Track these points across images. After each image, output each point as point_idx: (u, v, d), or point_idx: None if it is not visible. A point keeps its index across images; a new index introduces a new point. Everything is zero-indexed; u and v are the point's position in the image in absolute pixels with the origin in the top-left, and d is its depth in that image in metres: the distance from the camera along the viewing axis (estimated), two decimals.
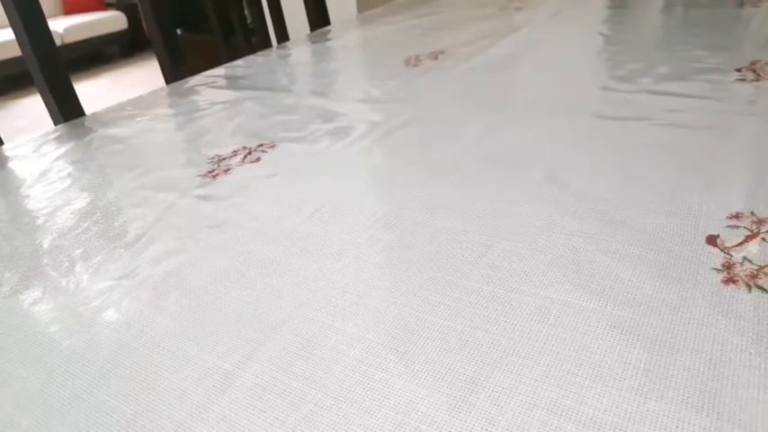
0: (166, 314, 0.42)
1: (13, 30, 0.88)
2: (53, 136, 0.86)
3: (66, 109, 0.92)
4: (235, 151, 0.68)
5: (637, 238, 0.42)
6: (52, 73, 0.90)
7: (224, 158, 0.67)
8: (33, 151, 0.80)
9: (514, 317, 0.36)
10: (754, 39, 0.85)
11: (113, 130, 0.84)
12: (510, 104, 0.73)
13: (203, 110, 0.87)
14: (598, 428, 0.28)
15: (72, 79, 0.94)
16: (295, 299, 0.41)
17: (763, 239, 0.40)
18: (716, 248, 0.40)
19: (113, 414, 0.33)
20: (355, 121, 0.74)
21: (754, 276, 0.37)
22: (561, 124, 0.64)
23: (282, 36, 1.43)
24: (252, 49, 1.24)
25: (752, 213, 0.43)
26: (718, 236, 0.41)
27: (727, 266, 0.38)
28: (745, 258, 0.38)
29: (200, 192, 0.60)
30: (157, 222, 0.55)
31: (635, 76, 0.75)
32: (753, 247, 0.39)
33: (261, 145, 0.69)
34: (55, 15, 4.41)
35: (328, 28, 1.38)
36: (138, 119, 0.87)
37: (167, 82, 1.10)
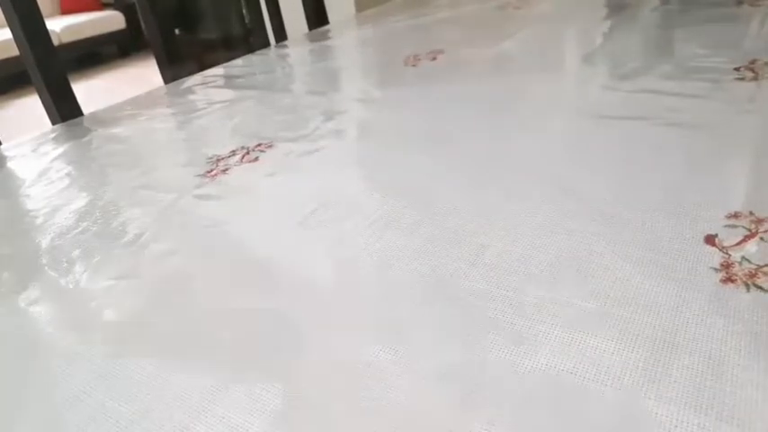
0: (165, 314, 0.42)
1: (11, 29, 0.88)
2: (51, 136, 0.86)
3: (64, 109, 0.92)
4: (233, 151, 0.68)
5: (636, 238, 0.42)
6: (50, 73, 0.90)
7: (222, 158, 0.67)
8: (32, 151, 0.80)
9: (513, 315, 0.36)
10: (752, 38, 0.85)
11: (112, 130, 0.84)
12: (509, 104, 0.73)
13: (201, 109, 0.87)
14: (597, 427, 0.28)
15: (70, 79, 0.94)
16: (292, 298, 0.41)
17: (762, 239, 0.40)
18: (714, 248, 0.40)
19: (112, 414, 0.33)
20: (354, 120, 0.74)
21: (752, 276, 0.37)
22: (561, 123, 0.64)
23: (281, 35, 1.43)
24: (250, 49, 1.24)
25: (750, 213, 0.43)
26: (716, 235, 0.41)
27: (726, 266, 0.38)
28: (743, 258, 0.39)
29: (198, 192, 0.60)
30: (156, 222, 0.55)
31: (634, 76, 0.75)
32: (751, 247, 0.40)
33: (259, 145, 0.69)
34: (52, 15, 4.41)
35: (327, 27, 1.38)
36: (137, 119, 0.87)
37: (165, 82, 1.10)
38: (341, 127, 0.72)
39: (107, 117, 0.90)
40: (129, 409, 0.34)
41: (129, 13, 4.48)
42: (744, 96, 0.64)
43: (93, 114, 0.93)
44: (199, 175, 0.63)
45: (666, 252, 0.40)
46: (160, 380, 0.35)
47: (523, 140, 0.61)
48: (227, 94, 0.93)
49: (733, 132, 0.56)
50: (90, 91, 3.37)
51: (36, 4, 0.88)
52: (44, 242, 0.55)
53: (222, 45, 1.29)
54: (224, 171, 0.64)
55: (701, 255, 0.39)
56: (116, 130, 0.83)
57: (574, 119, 0.65)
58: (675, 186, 0.48)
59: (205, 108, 0.87)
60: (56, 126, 0.91)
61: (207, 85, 1.00)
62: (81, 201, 0.62)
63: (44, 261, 0.51)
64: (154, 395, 0.34)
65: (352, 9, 2.18)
